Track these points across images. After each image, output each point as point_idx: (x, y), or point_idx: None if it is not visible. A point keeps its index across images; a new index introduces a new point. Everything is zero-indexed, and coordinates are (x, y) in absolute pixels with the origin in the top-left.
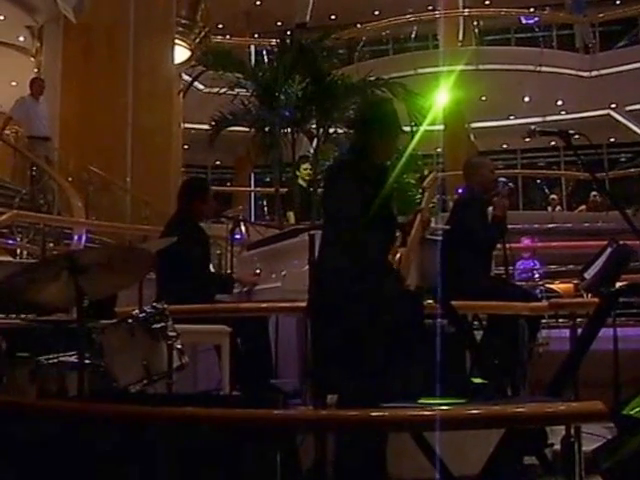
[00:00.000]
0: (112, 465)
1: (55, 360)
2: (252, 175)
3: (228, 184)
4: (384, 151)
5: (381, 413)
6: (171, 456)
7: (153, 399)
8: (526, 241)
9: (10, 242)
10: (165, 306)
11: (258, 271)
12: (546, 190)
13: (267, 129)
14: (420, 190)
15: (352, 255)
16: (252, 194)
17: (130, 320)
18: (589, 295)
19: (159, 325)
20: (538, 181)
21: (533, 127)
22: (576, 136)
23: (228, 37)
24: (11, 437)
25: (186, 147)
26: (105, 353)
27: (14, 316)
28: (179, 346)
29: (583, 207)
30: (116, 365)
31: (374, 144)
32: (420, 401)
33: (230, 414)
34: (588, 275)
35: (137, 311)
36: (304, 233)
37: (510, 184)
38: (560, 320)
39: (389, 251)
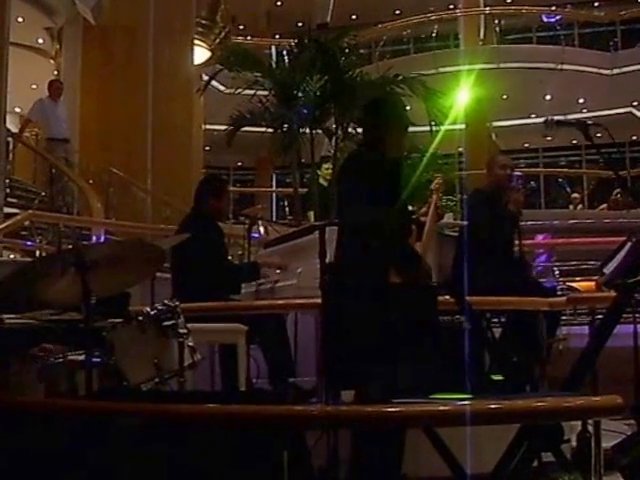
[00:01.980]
0: (118, 462)
1: (64, 359)
2: (274, 176)
3: (248, 185)
4: (395, 145)
5: (394, 409)
6: (173, 454)
7: (154, 397)
8: (540, 237)
9: (29, 244)
10: (177, 303)
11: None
12: (568, 189)
13: (285, 128)
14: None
15: (365, 249)
16: (274, 195)
17: (140, 317)
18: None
19: (170, 322)
20: (560, 180)
21: (550, 117)
22: (598, 134)
23: (249, 38)
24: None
25: (207, 148)
26: (116, 351)
27: (30, 315)
28: (190, 343)
29: (604, 206)
30: (127, 363)
31: (385, 138)
32: (432, 396)
33: (230, 410)
34: (607, 270)
35: (148, 308)
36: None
37: (532, 183)
38: (581, 317)
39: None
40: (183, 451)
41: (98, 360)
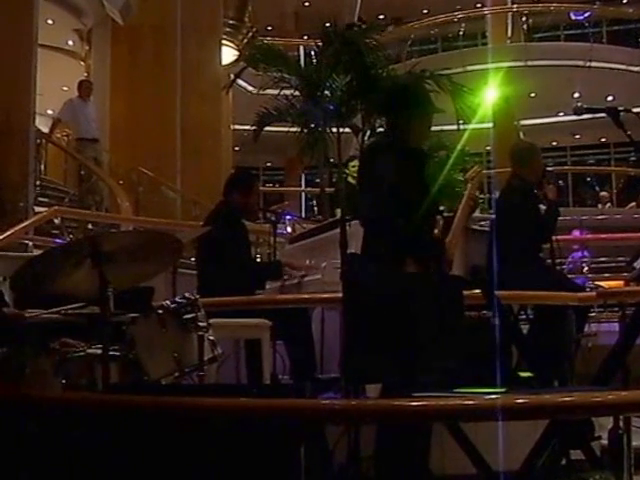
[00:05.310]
0: (134, 456)
1: (82, 353)
2: (303, 176)
3: (277, 185)
4: (418, 133)
5: (418, 403)
6: (184, 449)
7: (167, 391)
8: (576, 232)
9: (58, 241)
10: (197, 296)
11: (308, 262)
12: (596, 188)
13: (312, 125)
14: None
15: (385, 239)
16: (303, 195)
17: (160, 311)
18: None
19: (190, 316)
20: (588, 179)
21: (580, 104)
22: (628, 132)
23: (277, 39)
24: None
25: (237, 149)
26: (136, 345)
27: (56, 310)
28: (211, 337)
29: (633, 204)
30: (147, 357)
31: (407, 126)
32: (456, 390)
33: (246, 404)
34: (638, 264)
35: (167, 301)
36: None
37: (560, 182)
38: (609, 314)
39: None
40: (200, 446)
41: (117, 354)
